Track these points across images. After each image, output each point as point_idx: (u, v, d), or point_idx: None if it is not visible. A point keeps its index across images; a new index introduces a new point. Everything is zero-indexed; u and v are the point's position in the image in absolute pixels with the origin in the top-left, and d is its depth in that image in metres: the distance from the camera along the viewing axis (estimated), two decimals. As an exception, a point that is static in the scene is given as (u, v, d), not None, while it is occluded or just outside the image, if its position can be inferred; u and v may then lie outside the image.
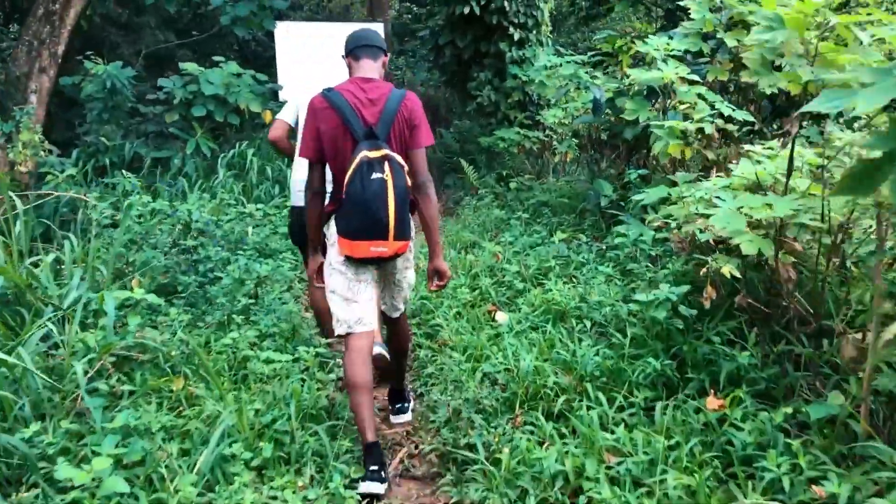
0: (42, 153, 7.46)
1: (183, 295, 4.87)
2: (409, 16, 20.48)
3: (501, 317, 4.64)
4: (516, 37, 9.68)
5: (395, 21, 19.34)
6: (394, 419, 3.87)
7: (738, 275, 3.12)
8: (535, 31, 9.93)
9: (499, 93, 9.80)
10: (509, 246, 5.92)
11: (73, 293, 4.24)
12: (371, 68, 3.25)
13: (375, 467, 3.06)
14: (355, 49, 3.27)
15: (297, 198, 4.43)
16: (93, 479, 2.63)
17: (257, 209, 6.64)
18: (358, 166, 3.01)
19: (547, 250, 5.44)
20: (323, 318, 4.48)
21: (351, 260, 3.20)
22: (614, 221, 5.45)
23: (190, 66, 8.47)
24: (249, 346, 4.15)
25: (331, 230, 3.30)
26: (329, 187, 3.31)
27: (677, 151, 4.31)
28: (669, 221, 3.70)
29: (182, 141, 8.56)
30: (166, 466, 2.91)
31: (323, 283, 3.38)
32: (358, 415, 3.15)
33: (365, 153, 3.01)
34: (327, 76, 4.29)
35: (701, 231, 3.25)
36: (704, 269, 3.17)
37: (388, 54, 3.46)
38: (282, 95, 9.79)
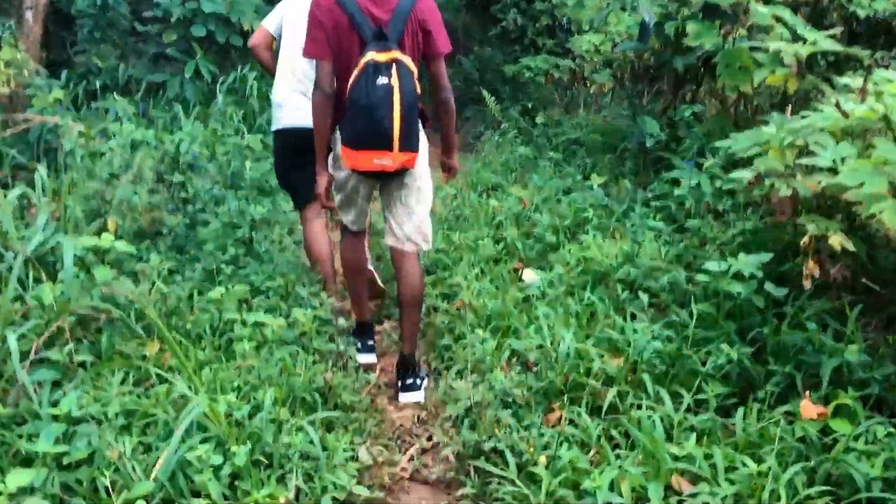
0: (26, 73, 6.73)
1: (169, 239, 4.21)
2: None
3: (530, 276, 3.95)
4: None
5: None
6: (402, 397, 3.27)
7: (850, 247, 2.39)
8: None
9: (525, 16, 8.87)
10: (538, 191, 5.18)
11: (37, 236, 3.58)
12: None
13: (371, 342, 3.60)
14: None
15: (282, 117, 3.75)
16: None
17: (259, 140, 5.91)
18: (363, 69, 2.76)
19: (583, 197, 4.70)
20: (322, 267, 3.85)
21: (354, 173, 3.04)
22: (663, 166, 4.70)
23: (187, -20, 7.61)
24: (238, 305, 3.49)
25: (335, 136, 3.07)
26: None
27: (779, 82, 3.49)
28: (748, 174, 2.93)
29: (181, 63, 7.77)
30: (116, 470, 2.30)
31: (333, 203, 3.24)
32: (352, 294, 3.55)
33: (372, 55, 2.76)
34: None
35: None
36: (807, 239, 2.44)
37: None
38: None
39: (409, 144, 2.84)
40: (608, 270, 3.62)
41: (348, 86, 2.82)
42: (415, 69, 2.86)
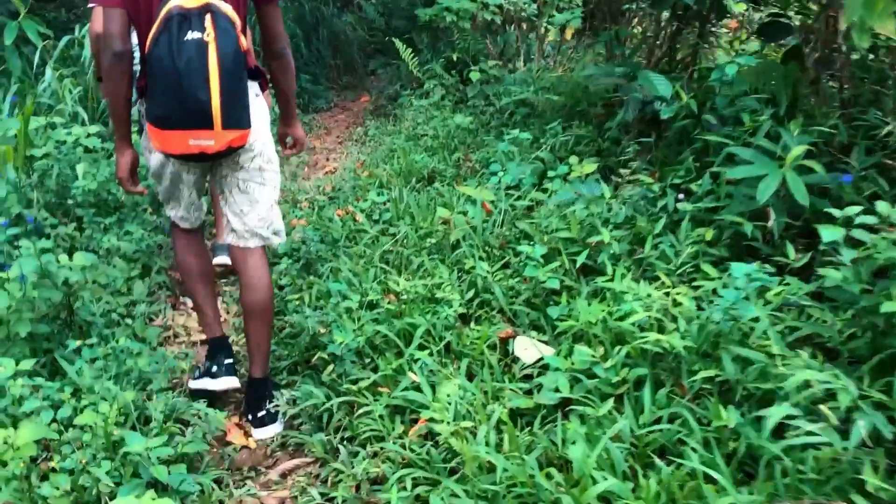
0: None
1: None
2: None
3: (527, 350, 2.39)
4: None
5: None
6: (256, 433, 2.49)
7: None
8: None
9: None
10: (500, 187, 3.57)
11: None
12: None
13: (230, 360, 2.55)
14: None
15: None
16: None
17: (97, 133, 4.03)
18: (164, 22, 2.04)
19: (584, 203, 3.07)
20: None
21: (170, 157, 2.31)
22: (691, 148, 3.14)
23: None
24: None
25: (143, 108, 2.31)
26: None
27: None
28: None
29: (-6, 25, 5.67)
30: None
31: (137, 186, 2.47)
32: (196, 305, 2.65)
33: (177, 2, 2.04)
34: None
35: None
36: None
37: None
38: None
39: (237, 119, 2.16)
40: (676, 353, 2.08)
41: (146, 48, 2.12)
42: (237, 18, 2.13)
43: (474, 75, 5.62)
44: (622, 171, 3.26)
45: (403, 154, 4.83)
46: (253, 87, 2.32)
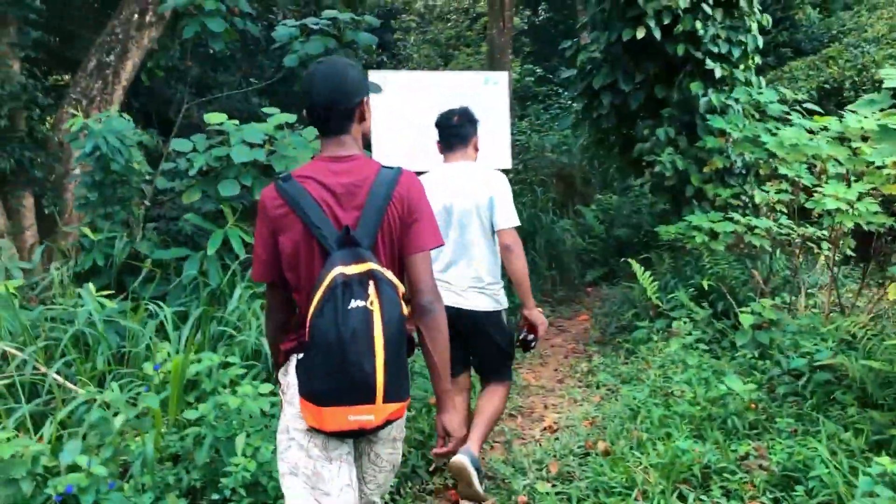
0: None
1: None
2: (532, 77, 17.12)
3: None
4: (717, 73, 5.95)
5: (517, 84, 16.05)
6: None
7: None
8: (741, 66, 6.18)
9: (686, 157, 6.04)
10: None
11: None
12: (346, 142, 2.05)
13: None
14: (316, 117, 2.05)
15: None
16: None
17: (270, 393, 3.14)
18: (329, 290, 1.84)
19: None
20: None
21: (319, 431, 1.94)
22: None
23: (215, 118, 5.18)
24: None
25: (288, 377, 2.05)
26: None
27: None
28: None
29: (203, 233, 5.28)
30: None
31: None
32: None
33: (339, 269, 1.86)
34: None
35: None
36: None
37: (366, 99, 2.07)
38: None
39: (398, 390, 1.90)
40: None
41: (308, 316, 1.85)
42: (399, 284, 1.95)
43: (745, 318, 4.27)
44: None
45: (654, 427, 3.51)
46: None
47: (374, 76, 8.09)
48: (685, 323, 4.82)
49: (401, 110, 8.00)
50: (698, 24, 5.84)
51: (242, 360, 3.52)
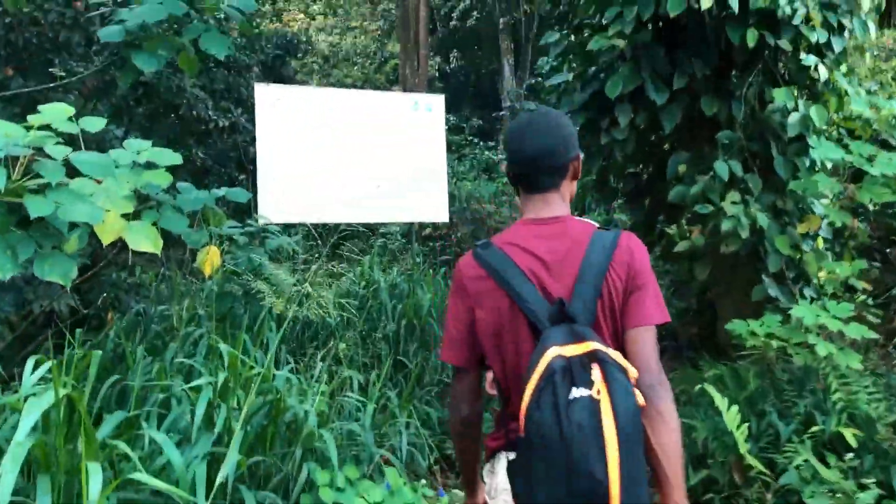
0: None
1: None
2: (446, 126, 14.85)
3: None
4: (821, 74, 3.60)
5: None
6: None
7: None
8: (842, 64, 3.86)
9: (762, 208, 3.62)
10: None
11: None
12: (553, 201, 1.72)
13: None
14: (522, 172, 1.73)
15: None
16: None
17: None
18: (545, 376, 1.46)
19: None
20: None
21: None
22: None
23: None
24: None
25: (497, 479, 1.77)
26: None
27: None
28: None
29: None
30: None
31: None
32: None
33: (556, 351, 1.48)
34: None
35: None
36: None
37: (580, 155, 1.75)
38: (262, 208, 5.13)
39: (637, 499, 1.43)
40: None
41: (522, 408, 1.48)
42: (629, 366, 1.52)
43: None
44: None
45: None
46: None
47: (266, 91, 5.46)
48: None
49: (301, 133, 5.39)
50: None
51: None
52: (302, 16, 20.91)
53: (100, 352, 2.28)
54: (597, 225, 1.73)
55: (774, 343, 3.07)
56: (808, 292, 4.04)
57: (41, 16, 6.82)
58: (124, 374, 2.95)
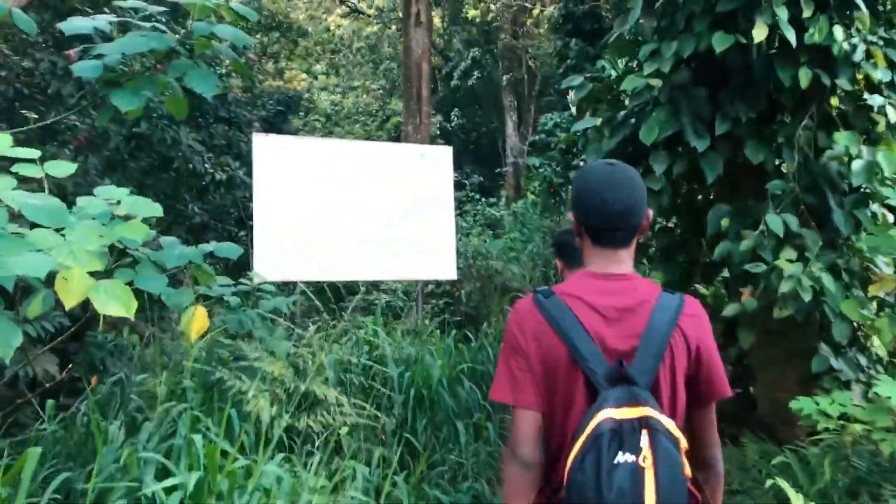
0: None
1: None
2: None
3: None
4: (892, 116, 3.21)
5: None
6: None
7: None
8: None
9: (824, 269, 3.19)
10: None
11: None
12: (623, 258, 1.66)
13: None
14: (601, 226, 1.65)
15: None
16: None
17: None
18: (592, 438, 1.45)
19: None
20: None
21: None
22: None
23: None
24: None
25: None
26: None
27: None
28: None
29: None
30: None
31: None
32: None
33: (608, 413, 1.47)
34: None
35: None
36: None
37: (650, 213, 1.69)
38: (257, 265, 4.76)
39: None
40: None
41: (567, 463, 1.49)
42: (681, 436, 1.49)
43: None
44: None
45: None
46: None
47: (265, 140, 5.09)
48: None
49: (302, 186, 4.98)
50: (837, 33, 3.11)
51: None
52: (304, 75, 20.87)
53: (38, 449, 1.79)
54: (661, 287, 1.68)
55: (858, 427, 2.59)
56: (862, 361, 3.59)
57: (34, 66, 6.50)
58: (91, 458, 2.46)
